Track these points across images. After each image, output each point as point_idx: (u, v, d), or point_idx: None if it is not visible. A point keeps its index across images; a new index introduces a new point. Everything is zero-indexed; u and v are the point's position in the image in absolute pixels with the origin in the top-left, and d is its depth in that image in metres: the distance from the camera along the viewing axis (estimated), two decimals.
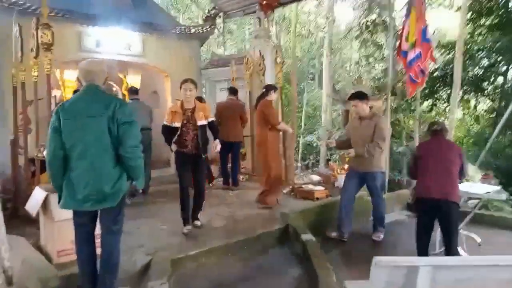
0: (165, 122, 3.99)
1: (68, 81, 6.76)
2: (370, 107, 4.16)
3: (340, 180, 5.27)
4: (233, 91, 6.15)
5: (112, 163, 2.44)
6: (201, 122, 3.92)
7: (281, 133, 5.25)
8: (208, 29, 7.58)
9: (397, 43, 5.35)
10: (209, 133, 4.13)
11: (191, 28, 7.53)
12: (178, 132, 3.88)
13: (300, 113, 10.83)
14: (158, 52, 7.11)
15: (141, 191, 6.09)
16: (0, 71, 5.22)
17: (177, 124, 3.87)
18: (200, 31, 7.49)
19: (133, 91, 5.94)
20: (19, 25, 4.19)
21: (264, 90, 4.84)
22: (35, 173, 4.32)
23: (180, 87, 3.91)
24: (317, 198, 5.16)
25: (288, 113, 6.33)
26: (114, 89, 6.01)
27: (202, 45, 8.32)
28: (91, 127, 2.39)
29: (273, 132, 4.75)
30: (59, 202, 2.50)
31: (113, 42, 6.63)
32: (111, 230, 2.56)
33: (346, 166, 5.39)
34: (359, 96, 4.14)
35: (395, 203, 5.61)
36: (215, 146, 4.11)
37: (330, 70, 10.06)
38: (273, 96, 4.77)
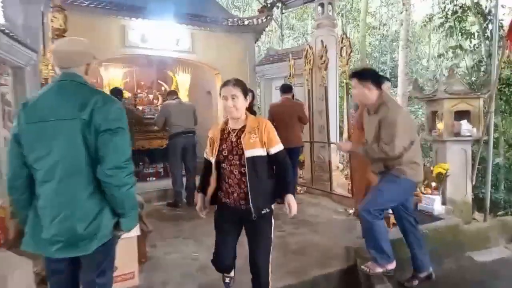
0: (205, 154, 2.44)
1: (114, 80, 6.35)
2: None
3: (427, 202, 4.06)
4: (285, 88, 5.22)
5: (88, 190, 1.64)
6: (253, 152, 2.18)
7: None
8: (264, 21, 6.73)
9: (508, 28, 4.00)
10: None
11: (244, 20, 6.74)
12: (213, 172, 2.31)
13: None
14: (209, 47, 6.43)
15: (185, 200, 5.48)
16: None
17: (212, 159, 2.30)
18: (255, 23, 6.67)
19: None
20: (42, 13, 3.68)
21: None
22: None
23: (220, 94, 2.26)
24: (394, 224, 4.00)
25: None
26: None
27: (257, 40, 7.50)
28: (59, 135, 1.62)
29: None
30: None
31: (159, 36, 6.07)
32: (93, 285, 1.76)
33: (434, 184, 4.15)
34: (360, 75, 2.80)
35: (498, 234, 4.24)
36: (289, 207, 2.24)
37: (405, 65, 8.66)
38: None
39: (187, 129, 5.17)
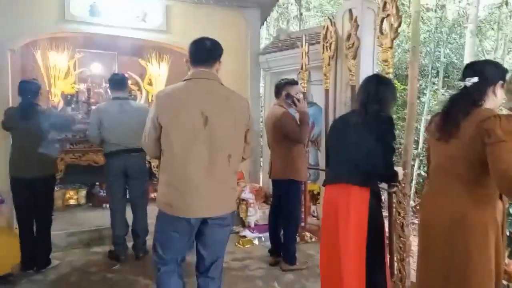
0: None
1: (54, 69, 4.60)
2: None
3: None
4: (277, 88, 3.31)
5: None
6: None
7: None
8: None
9: None
10: None
11: None
12: None
13: (418, 126, 7.19)
14: (190, 26, 4.53)
15: (131, 251, 3.57)
16: None
17: None
18: None
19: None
20: None
21: None
22: None
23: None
24: None
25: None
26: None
27: (265, 20, 5.53)
28: None
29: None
30: None
31: (117, 9, 4.25)
32: None
33: None
34: None
35: None
36: None
37: (474, 58, 6.39)
38: None
39: (128, 147, 3.34)
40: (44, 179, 3.18)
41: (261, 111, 5.40)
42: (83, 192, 4.88)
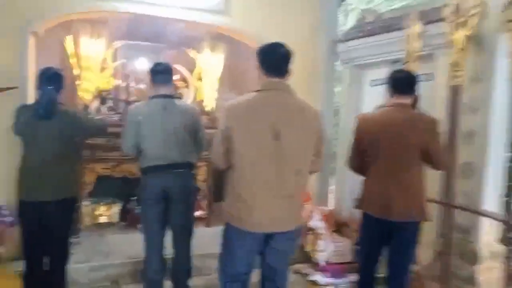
0: None
1: (86, 58, 3.77)
2: None
3: None
4: (403, 83, 2.19)
5: None
6: None
7: None
8: None
9: None
10: None
11: None
12: None
13: None
14: (253, 7, 3.58)
15: None
16: None
17: None
18: None
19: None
20: None
21: None
22: None
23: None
24: None
25: None
26: None
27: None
28: None
29: None
30: None
31: None
32: None
33: None
34: None
35: None
36: None
37: None
38: None
39: (171, 162, 2.43)
40: (64, 204, 2.34)
41: (336, 115, 4.31)
42: (116, 209, 4.05)
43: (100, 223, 3.94)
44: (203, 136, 2.62)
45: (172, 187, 2.46)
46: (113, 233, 3.75)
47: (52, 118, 2.25)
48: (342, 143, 3.83)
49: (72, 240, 2.64)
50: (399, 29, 3.17)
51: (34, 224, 2.31)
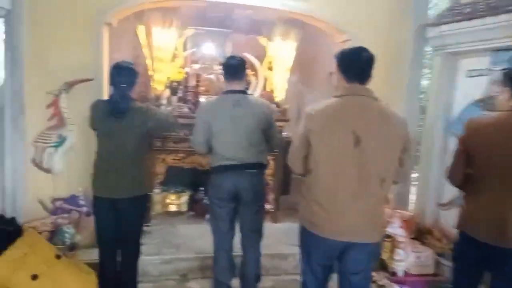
0: None
1: (157, 48, 3.73)
2: None
3: None
4: None
5: None
6: None
7: None
8: None
9: None
10: None
11: None
12: None
13: None
14: None
15: None
16: None
17: None
18: None
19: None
20: None
21: None
22: None
23: None
24: None
25: None
26: None
27: None
28: None
29: None
30: None
31: None
32: None
33: None
34: None
35: None
36: None
37: None
38: None
39: (243, 162, 2.29)
40: (137, 200, 2.34)
41: (423, 114, 3.84)
42: (185, 198, 4.08)
43: (169, 212, 4.00)
44: (275, 133, 2.46)
45: (243, 188, 2.34)
46: (182, 223, 3.78)
47: (125, 116, 2.22)
48: (427, 146, 3.45)
49: (144, 228, 2.66)
50: (509, 11, 2.65)
51: (108, 219, 2.34)
